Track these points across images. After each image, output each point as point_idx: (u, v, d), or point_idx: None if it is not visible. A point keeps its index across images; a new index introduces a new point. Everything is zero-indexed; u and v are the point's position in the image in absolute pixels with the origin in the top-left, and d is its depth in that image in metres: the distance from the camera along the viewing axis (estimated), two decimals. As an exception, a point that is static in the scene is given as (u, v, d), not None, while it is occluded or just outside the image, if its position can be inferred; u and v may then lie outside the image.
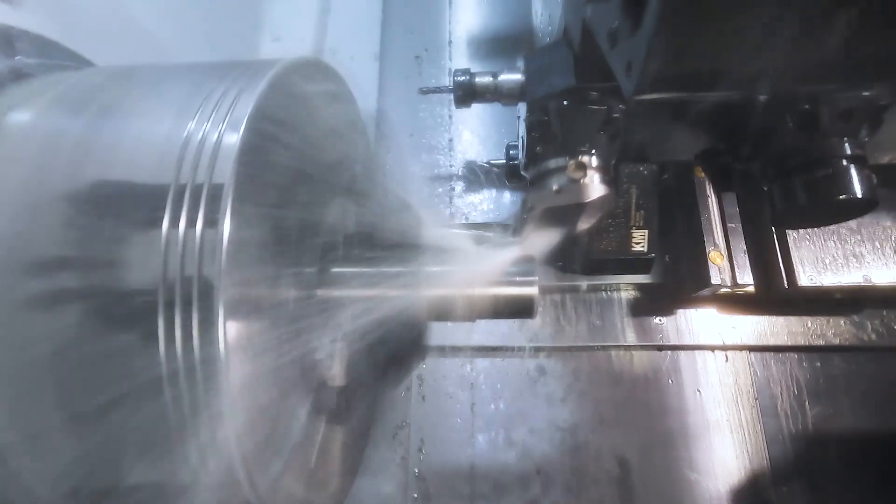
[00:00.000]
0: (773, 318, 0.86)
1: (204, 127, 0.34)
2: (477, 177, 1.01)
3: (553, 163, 0.61)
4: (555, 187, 0.60)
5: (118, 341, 0.30)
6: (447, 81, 0.74)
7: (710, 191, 0.83)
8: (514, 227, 0.82)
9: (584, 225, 0.63)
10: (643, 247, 0.74)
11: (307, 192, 0.45)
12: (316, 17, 1.13)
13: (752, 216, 0.82)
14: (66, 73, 0.48)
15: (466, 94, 0.69)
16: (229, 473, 0.30)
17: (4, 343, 0.31)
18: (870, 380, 0.84)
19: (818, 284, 0.76)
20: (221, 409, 0.29)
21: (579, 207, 0.59)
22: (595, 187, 0.59)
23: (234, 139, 0.33)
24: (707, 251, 0.79)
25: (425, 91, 0.80)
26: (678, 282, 0.87)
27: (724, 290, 0.80)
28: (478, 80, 0.68)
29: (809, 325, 0.85)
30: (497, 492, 0.81)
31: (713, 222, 0.81)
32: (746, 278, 0.79)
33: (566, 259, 0.82)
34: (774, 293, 0.79)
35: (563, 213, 0.60)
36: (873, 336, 0.84)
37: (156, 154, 0.33)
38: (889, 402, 0.82)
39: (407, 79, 1.11)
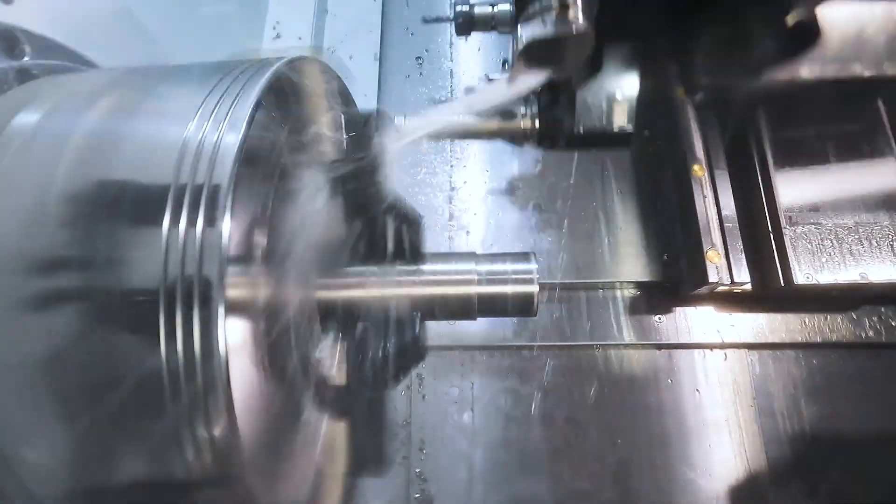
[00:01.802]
0: (772, 316, 0.86)
1: (204, 127, 0.34)
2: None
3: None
4: (541, 20, 0.62)
5: (118, 341, 0.30)
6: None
7: (707, 190, 0.83)
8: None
9: (567, 68, 0.65)
10: (625, 120, 0.79)
11: (307, 192, 0.45)
12: (314, 17, 1.13)
13: (749, 215, 0.82)
14: (71, 74, 0.48)
15: (466, 22, 0.72)
16: (229, 473, 0.30)
17: (5, 342, 0.31)
18: (868, 378, 0.84)
19: (814, 282, 0.76)
20: (221, 408, 0.29)
21: (564, 43, 0.62)
22: (579, 21, 0.62)
23: (233, 139, 0.33)
24: (704, 250, 0.79)
25: (428, 20, 0.84)
26: (676, 280, 0.87)
27: (721, 287, 0.80)
28: (477, 9, 0.71)
29: (808, 322, 0.86)
30: (498, 491, 0.82)
31: (710, 221, 0.82)
32: (743, 276, 0.79)
33: (553, 135, 0.85)
34: (771, 291, 0.80)
35: (549, 51, 0.63)
36: (871, 333, 0.85)
37: (157, 155, 0.34)
38: (887, 401, 0.83)
39: (407, 79, 1.11)
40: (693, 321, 0.88)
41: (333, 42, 1.15)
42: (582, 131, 0.80)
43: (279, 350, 0.39)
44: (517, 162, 1.02)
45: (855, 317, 0.86)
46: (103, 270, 0.31)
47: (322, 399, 0.49)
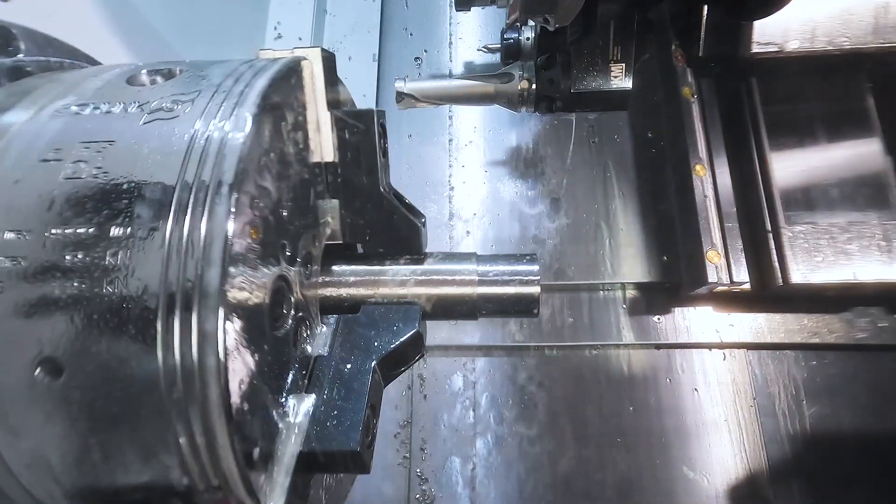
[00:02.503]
0: (770, 316, 0.87)
1: (206, 127, 0.34)
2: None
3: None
4: None
5: (116, 343, 0.30)
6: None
7: (708, 190, 0.84)
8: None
9: (560, 15, 0.63)
10: (621, 80, 0.76)
11: (309, 193, 0.45)
12: (313, 17, 1.14)
13: (747, 212, 0.83)
14: (67, 71, 0.47)
15: None
16: (227, 475, 0.30)
17: (2, 344, 0.31)
18: (865, 377, 0.85)
19: (810, 282, 0.77)
20: (219, 410, 0.29)
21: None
22: None
23: (236, 140, 0.33)
24: (704, 250, 0.80)
25: None
26: (676, 280, 0.88)
27: (720, 287, 0.81)
28: None
29: (805, 322, 0.86)
30: (499, 491, 0.82)
31: (711, 222, 0.82)
32: (742, 276, 0.80)
33: (550, 97, 0.83)
34: (769, 290, 0.80)
35: None
36: (864, 334, 0.86)
37: (158, 154, 0.33)
38: (884, 400, 0.83)
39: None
40: (692, 321, 0.88)
41: (333, 42, 1.15)
42: (579, 90, 0.76)
43: (279, 352, 0.39)
44: (516, 162, 1.02)
45: (849, 318, 0.86)
46: (102, 272, 0.31)
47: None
